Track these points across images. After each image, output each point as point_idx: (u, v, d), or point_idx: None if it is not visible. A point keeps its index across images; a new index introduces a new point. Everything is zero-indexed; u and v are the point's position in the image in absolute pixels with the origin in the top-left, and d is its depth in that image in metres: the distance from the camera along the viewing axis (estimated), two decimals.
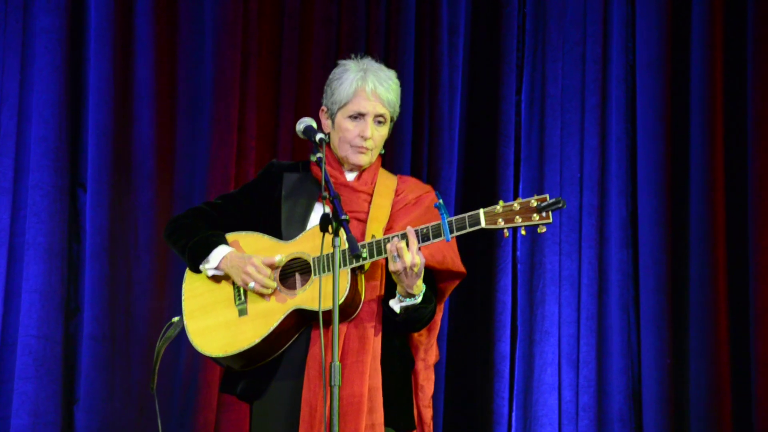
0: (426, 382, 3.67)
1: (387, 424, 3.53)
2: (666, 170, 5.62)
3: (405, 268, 3.40)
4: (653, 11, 5.70)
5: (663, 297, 5.57)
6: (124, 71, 5.53)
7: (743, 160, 5.58)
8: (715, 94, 5.60)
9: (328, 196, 3.38)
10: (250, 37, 5.67)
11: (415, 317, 3.52)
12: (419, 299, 3.49)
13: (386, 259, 3.47)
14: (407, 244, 3.41)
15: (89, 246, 5.40)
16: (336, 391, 3.24)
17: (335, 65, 5.71)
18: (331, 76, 3.73)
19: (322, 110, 3.73)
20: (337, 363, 3.25)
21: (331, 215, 3.35)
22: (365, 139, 3.63)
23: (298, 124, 3.63)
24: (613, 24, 5.79)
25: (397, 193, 3.69)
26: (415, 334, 3.65)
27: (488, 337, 5.70)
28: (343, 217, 3.32)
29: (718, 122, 5.59)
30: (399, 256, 3.39)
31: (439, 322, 3.68)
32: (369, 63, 3.73)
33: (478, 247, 5.79)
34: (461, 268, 3.64)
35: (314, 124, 3.61)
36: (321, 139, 3.53)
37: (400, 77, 5.70)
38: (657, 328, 5.56)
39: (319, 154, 3.48)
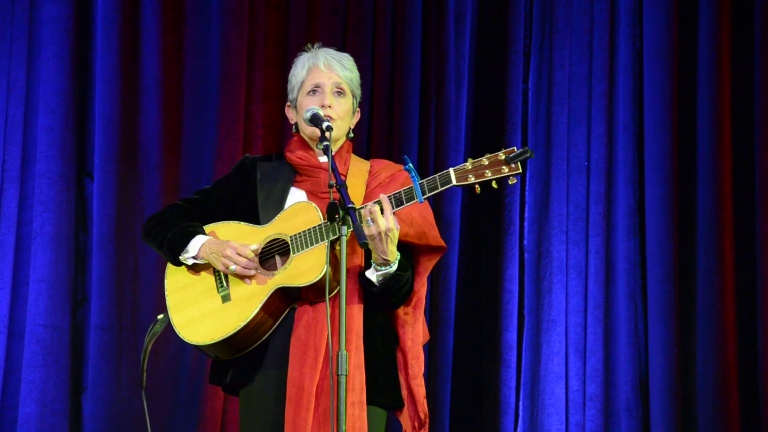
0: (415, 360, 3.66)
1: (374, 402, 3.55)
2: (673, 158, 5.62)
3: (380, 233, 3.42)
4: None
5: (670, 286, 5.56)
6: (130, 61, 5.54)
7: (751, 148, 5.58)
8: (722, 82, 5.59)
9: (335, 184, 3.39)
10: (256, 27, 5.67)
11: (392, 286, 3.53)
12: (395, 266, 3.51)
13: None
14: (382, 211, 3.44)
15: (96, 235, 5.41)
16: (343, 380, 3.26)
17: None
18: (289, 75, 3.81)
19: (288, 106, 3.81)
20: (344, 352, 3.26)
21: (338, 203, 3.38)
22: (326, 107, 3.67)
23: (305, 112, 3.65)
24: (621, 11, 5.78)
25: (370, 174, 3.73)
26: (400, 312, 3.67)
27: (495, 326, 5.70)
28: (350, 205, 3.34)
29: (725, 110, 5.58)
30: (373, 220, 3.42)
31: (423, 300, 3.70)
32: (321, 48, 3.81)
33: (485, 236, 5.80)
34: (441, 243, 3.67)
35: (321, 113, 3.63)
36: (328, 127, 3.54)
37: (407, 67, 5.77)
38: (664, 317, 5.55)
39: (326, 142, 3.49)
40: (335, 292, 3.48)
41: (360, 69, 5.69)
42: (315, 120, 3.61)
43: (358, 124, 5.83)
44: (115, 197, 5.45)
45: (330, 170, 3.41)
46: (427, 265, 3.67)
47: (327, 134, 3.51)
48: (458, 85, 5.77)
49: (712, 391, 5.49)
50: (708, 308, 5.53)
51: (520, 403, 5.70)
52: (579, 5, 5.84)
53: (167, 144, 5.56)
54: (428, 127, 5.75)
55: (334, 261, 3.49)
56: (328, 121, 3.61)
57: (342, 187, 3.38)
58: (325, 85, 3.70)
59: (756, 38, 5.60)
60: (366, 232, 3.42)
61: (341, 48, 5.69)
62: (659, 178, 5.61)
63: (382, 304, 3.61)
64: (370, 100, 5.74)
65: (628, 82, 5.73)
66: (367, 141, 5.70)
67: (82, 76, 5.52)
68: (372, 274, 3.53)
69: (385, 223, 3.41)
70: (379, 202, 3.44)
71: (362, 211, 3.44)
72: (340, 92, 3.72)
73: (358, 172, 3.70)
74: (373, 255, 3.49)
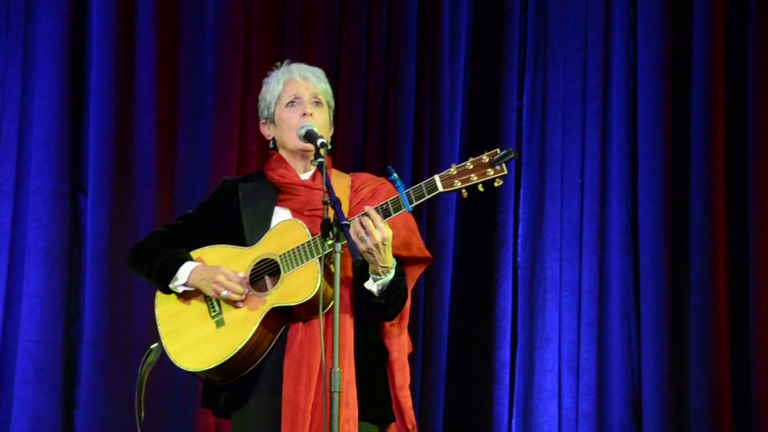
0: (401, 371, 3.66)
1: (366, 418, 3.54)
2: (667, 176, 5.63)
3: (377, 244, 3.41)
4: (654, 17, 5.72)
5: (663, 304, 5.57)
6: (125, 76, 5.54)
7: (744, 166, 5.59)
8: (716, 100, 5.61)
9: (329, 201, 3.37)
10: (251, 43, 5.67)
11: (393, 294, 3.52)
12: (393, 272, 3.50)
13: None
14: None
15: (90, 251, 5.40)
16: (336, 397, 3.25)
17: (336, 71, 5.72)
18: (259, 95, 3.82)
19: (262, 123, 3.81)
20: (337, 369, 3.25)
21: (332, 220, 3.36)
22: (307, 115, 3.68)
23: (299, 128, 3.65)
24: (615, 30, 5.80)
25: (352, 189, 3.72)
26: (387, 325, 3.66)
27: (488, 343, 5.69)
28: (344, 222, 3.33)
29: (718, 128, 5.60)
30: (368, 233, 3.40)
31: (408, 311, 3.69)
32: (291, 63, 3.83)
33: (479, 253, 5.80)
34: (427, 253, 3.67)
35: (316, 129, 3.62)
36: (322, 144, 3.53)
37: (401, 83, 5.78)
38: (657, 334, 5.56)
39: (320, 159, 3.48)
40: (329, 307, 3.48)
41: (354, 86, 5.74)
42: (309, 136, 3.60)
43: (352, 141, 5.82)
44: (109, 212, 5.44)
45: (324, 187, 3.39)
46: (413, 276, 3.66)
47: (321, 151, 3.50)
48: (453, 103, 5.78)
49: (705, 408, 5.49)
50: (701, 326, 5.54)
51: (513, 421, 5.69)
52: (573, 23, 5.86)
53: (162, 159, 5.55)
54: (422, 144, 5.76)
55: (326, 276, 3.48)
56: (322, 137, 3.60)
57: (336, 203, 3.36)
58: (304, 95, 3.72)
59: (750, 56, 5.62)
60: (361, 247, 3.41)
61: (336, 65, 5.73)
62: (653, 196, 5.62)
63: (378, 316, 3.60)
64: (364, 117, 5.74)
65: (622, 100, 5.75)
66: (361, 158, 5.70)
67: (77, 91, 5.52)
68: (372, 286, 3.51)
69: (380, 234, 3.41)
70: (366, 215, 3.43)
71: (350, 231, 3.40)
72: (318, 103, 3.74)
73: (339, 187, 3.68)
74: (371, 266, 3.48)
